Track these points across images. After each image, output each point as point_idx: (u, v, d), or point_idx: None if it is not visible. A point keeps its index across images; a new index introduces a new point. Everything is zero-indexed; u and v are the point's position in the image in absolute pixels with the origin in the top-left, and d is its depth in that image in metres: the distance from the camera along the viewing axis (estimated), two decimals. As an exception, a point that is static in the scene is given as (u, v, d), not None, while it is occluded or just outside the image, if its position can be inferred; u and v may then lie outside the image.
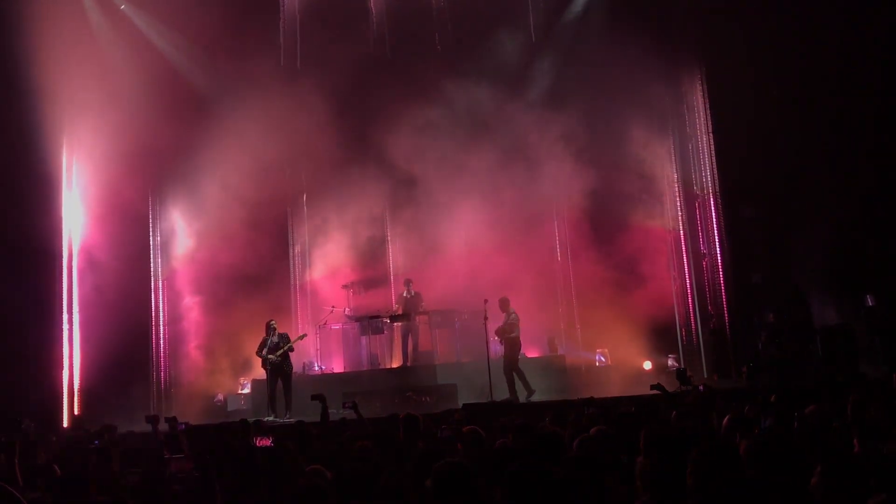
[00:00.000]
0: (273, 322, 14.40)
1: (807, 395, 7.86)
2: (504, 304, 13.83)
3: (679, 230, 15.73)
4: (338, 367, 16.26)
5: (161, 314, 16.15)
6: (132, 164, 15.22)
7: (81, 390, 14.74)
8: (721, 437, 5.10)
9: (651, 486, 3.46)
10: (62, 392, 14.52)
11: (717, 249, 15.07)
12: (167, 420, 8.98)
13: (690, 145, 15.66)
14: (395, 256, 17.41)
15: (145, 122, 14.89)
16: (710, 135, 15.32)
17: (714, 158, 15.29)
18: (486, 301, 13.55)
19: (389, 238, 17.59)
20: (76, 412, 14.64)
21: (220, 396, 15.82)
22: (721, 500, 3.21)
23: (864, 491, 3.53)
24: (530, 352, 15.60)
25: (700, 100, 15.58)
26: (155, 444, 7.75)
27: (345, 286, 16.54)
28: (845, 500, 3.59)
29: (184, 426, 8.90)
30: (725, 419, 5.29)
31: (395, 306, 15.94)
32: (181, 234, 16.39)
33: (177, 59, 16.16)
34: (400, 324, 15.63)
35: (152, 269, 16.25)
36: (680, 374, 13.07)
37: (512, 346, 13.58)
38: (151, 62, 15.56)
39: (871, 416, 5.89)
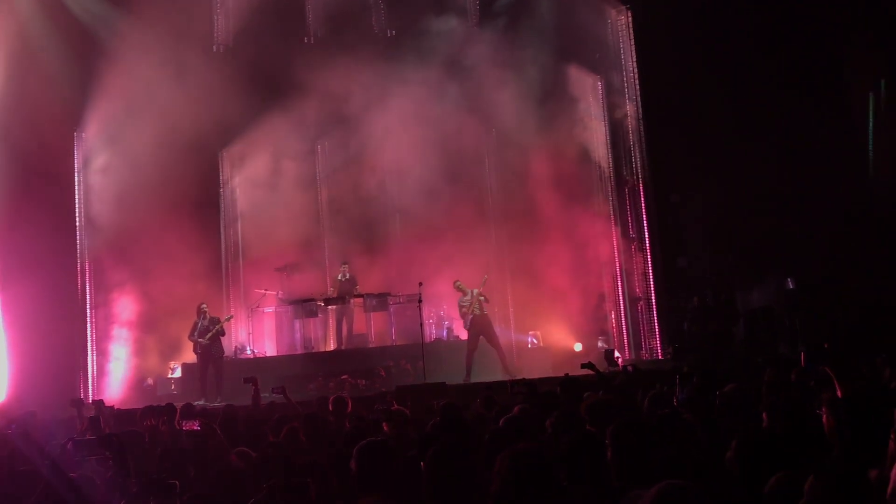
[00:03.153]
0: (204, 305, 14.24)
1: (727, 375, 8.11)
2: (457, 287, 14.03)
3: (609, 214, 15.97)
4: (271, 350, 16.08)
5: (88, 296, 15.62)
6: (52, 137, 14.74)
7: (10, 375, 14.21)
8: (643, 414, 5.23)
9: (568, 462, 3.52)
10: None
11: (646, 234, 15.37)
12: (94, 403, 8.79)
13: (621, 131, 15.91)
14: (330, 238, 17.24)
15: (65, 96, 14.54)
16: (640, 120, 15.57)
17: (643, 144, 15.56)
18: (420, 284, 13.60)
19: (325, 219, 17.40)
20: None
21: (150, 380, 15.50)
22: (637, 474, 3.30)
23: (773, 465, 3.67)
24: (465, 334, 15.73)
25: (630, 85, 15.81)
26: (76, 428, 7.57)
27: (278, 269, 16.34)
28: (756, 474, 3.74)
29: (108, 409, 8.74)
30: (647, 397, 5.44)
31: (329, 289, 15.83)
32: (106, 213, 15.83)
33: (99, 29, 15.59)
34: (334, 307, 15.55)
35: (78, 249, 15.70)
36: (608, 355, 13.41)
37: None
38: (69, 30, 15.02)
39: (784, 394, 6.14)
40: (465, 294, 14.05)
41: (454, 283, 14.26)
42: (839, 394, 4.57)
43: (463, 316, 14.03)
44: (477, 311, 13.85)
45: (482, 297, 13.89)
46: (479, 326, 13.87)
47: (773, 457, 3.83)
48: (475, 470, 3.47)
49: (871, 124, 14.65)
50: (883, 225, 14.00)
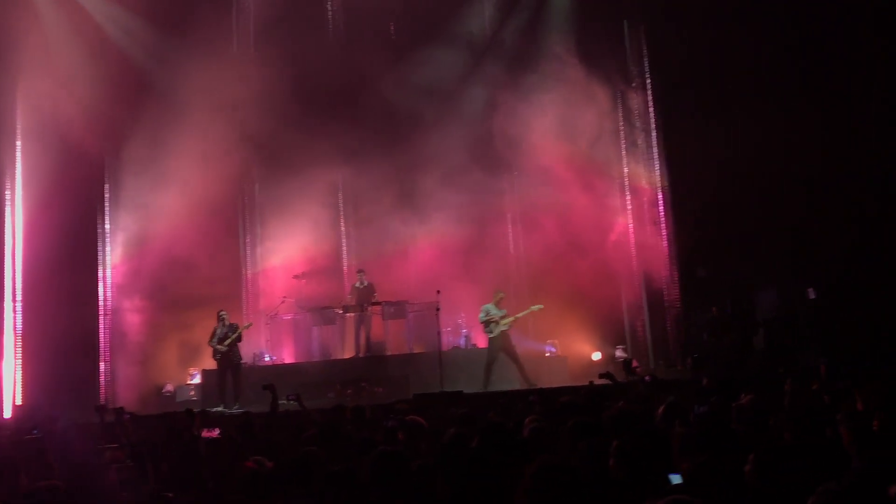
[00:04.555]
0: (223, 312, 14.31)
1: (746, 386, 8.04)
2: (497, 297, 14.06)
3: (629, 224, 15.90)
4: (289, 357, 16.15)
5: (108, 303, 15.77)
6: (80, 150, 14.94)
7: (25, 380, 14.38)
8: (657, 424, 5.20)
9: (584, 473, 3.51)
10: (1, 382, 14.16)
11: (665, 243, 15.28)
12: (114, 410, 8.86)
13: (640, 141, 15.86)
14: (349, 246, 17.30)
15: (94, 109, 14.72)
16: (659, 130, 15.53)
17: (662, 154, 15.51)
18: (438, 292, 13.60)
19: (343, 228, 17.49)
20: (18, 402, 14.29)
21: (170, 387, 15.60)
22: (646, 485, 3.28)
23: (795, 478, 3.64)
24: (483, 342, 15.72)
25: (649, 96, 15.78)
26: (95, 434, 7.63)
27: (297, 276, 16.40)
28: (777, 487, 3.70)
29: (128, 416, 8.79)
30: (661, 407, 5.40)
31: (347, 297, 15.87)
32: (129, 221, 16.02)
33: (128, 43, 15.82)
34: (352, 314, 15.59)
35: (100, 257, 15.88)
36: (626, 365, 13.35)
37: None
38: (99, 45, 15.22)
39: (805, 405, 6.09)
40: (500, 307, 13.96)
41: (496, 292, 14.14)
42: (859, 407, 4.52)
43: (488, 323, 13.91)
44: (506, 327, 13.83)
45: (510, 321, 13.85)
46: (501, 343, 13.85)
47: (793, 470, 3.79)
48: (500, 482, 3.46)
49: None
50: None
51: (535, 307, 14.08)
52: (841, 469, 3.99)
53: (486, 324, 13.89)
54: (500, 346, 13.83)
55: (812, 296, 13.89)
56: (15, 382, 14.30)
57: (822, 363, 5.08)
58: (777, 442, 4.57)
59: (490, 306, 13.97)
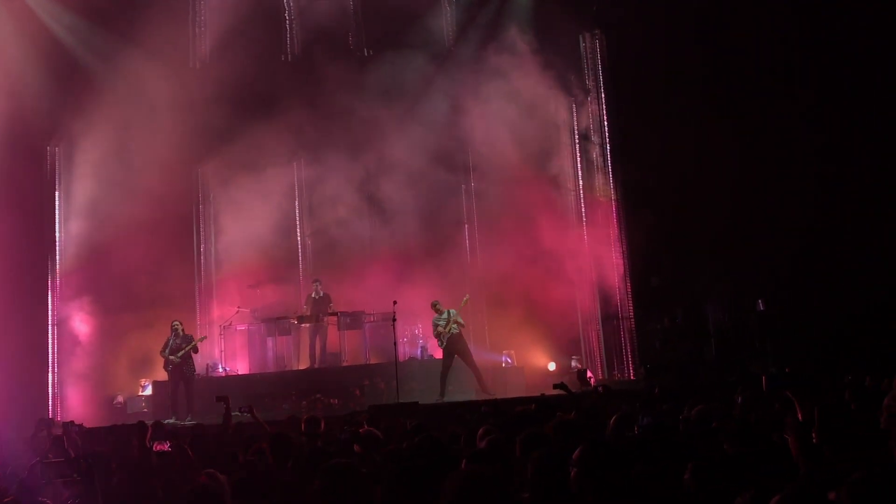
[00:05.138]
0: (177, 323, 14.10)
1: (697, 395, 8.20)
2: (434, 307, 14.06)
3: (583, 234, 16.08)
4: (243, 368, 15.98)
5: (55, 311, 15.39)
6: (29, 154, 14.68)
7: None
8: (609, 435, 5.28)
9: (533, 484, 3.57)
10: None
11: (619, 253, 15.49)
12: (63, 423, 8.70)
13: (594, 151, 16.08)
14: (305, 255, 17.23)
15: (43, 113, 14.53)
16: (613, 141, 15.77)
17: (616, 164, 15.74)
18: (394, 302, 13.61)
19: (299, 236, 17.41)
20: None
21: (120, 398, 15.32)
22: (599, 495, 3.34)
23: (732, 487, 3.74)
24: (440, 353, 15.75)
25: (602, 108, 16.01)
26: (42, 448, 7.48)
27: (251, 286, 16.27)
28: (713, 496, 3.80)
29: (77, 428, 8.65)
30: (613, 418, 5.49)
31: (302, 307, 15.78)
32: (79, 227, 15.67)
33: (77, 46, 15.53)
34: (308, 325, 15.50)
35: (49, 264, 15.50)
36: (580, 375, 13.49)
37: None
38: (46, 47, 14.93)
39: (754, 414, 6.23)
40: (440, 313, 14.01)
41: (432, 302, 14.21)
42: (800, 417, 4.66)
43: (437, 336, 13.96)
44: (454, 331, 13.82)
45: (459, 319, 13.86)
46: (454, 346, 13.83)
47: (731, 478, 3.89)
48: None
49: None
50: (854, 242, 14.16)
51: (464, 300, 14.11)
52: (783, 477, 4.12)
53: (438, 337, 13.95)
54: (453, 350, 13.82)
55: (761, 307, 14.21)
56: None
57: (763, 375, 5.20)
58: (717, 451, 4.69)
59: (435, 319, 14.02)
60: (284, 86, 16.15)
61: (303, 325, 15.53)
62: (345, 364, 15.47)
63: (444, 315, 13.90)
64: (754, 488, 3.41)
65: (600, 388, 9.30)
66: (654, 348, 14.75)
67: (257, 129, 15.97)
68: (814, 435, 4.44)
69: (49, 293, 15.35)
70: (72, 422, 9.29)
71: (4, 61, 14.34)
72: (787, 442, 4.64)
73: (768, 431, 5.14)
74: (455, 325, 13.76)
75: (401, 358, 14.29)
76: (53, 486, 4.17)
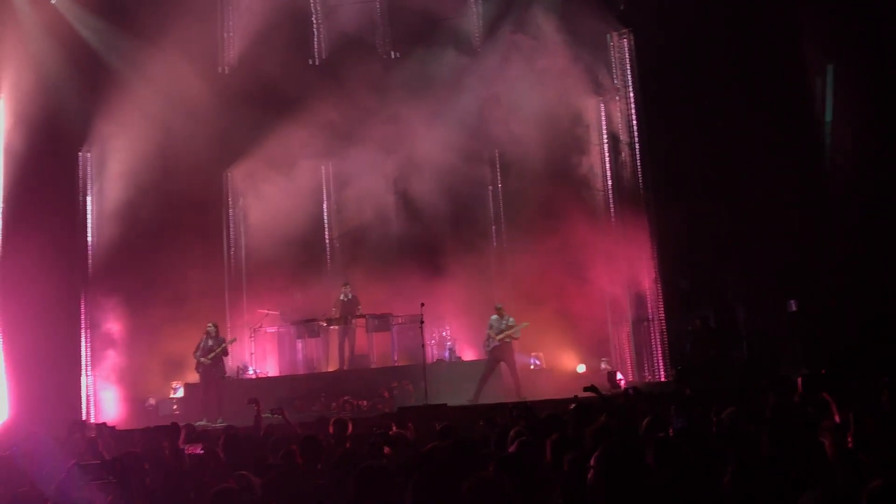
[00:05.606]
0: (211, 325, 14.27)
1: (729, 397, 8.10)
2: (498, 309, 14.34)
3: (612, 235, 15.92)
4: (273, 370, 16.09)
5: (87, 315, 15.53)
6: (59, 158, 14.88)
7: (10, 397, 14.13)
8: (640, 438, 5.22)
9: (563, 487, 3.54)
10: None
11: (649, 255, 15.32)
12: (96, 426, 8.80)
13: (623, 152, 15.93)
14: (332, 258, 17.29)
15: (74, 114, 14.76)
16: (642, 142, 15.59)
17: (646, 165, 15.56)
18: (422, 305, 13.63)
19: (327, 239, 17.51)
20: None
21: (152, 400, 15.48)
22: (622, 499, 3.29)
23: (772, 491, 3.68)
24: (467, 355, 15.76)
25: (631, 108, 15.84)
26: (77, 451, 7.57)
27: (280, 288, 16.38)
28: (754, 499, 3.74)
29: (110, 431, 8.75)
30: (645, 421, 5.44)
31: (332, 309, 15.84)
32: (110, 230, 15.74)
33: (105, 50, 15.70)
34: (336, 327, 15.56)
35: (82, 269, 15.60)
36: (610, 377, 13.43)
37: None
38: (77, 52, 15.12)
39: (787, 417, 6.14)
40: (502, 318, 14.10)
41: (497, 305, 14.37)
42: (836, 419, 4.57)
43: (489, 337, 14.10)
44: (507, 340, 13.98)
45: (517, 335, 14.07)
46: (503, 353, 13.99)
47: (771, 482, 3.83)
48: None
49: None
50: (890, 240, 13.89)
51: (523, 325, 14.21)
52: (821, 481, 4.05)
53: (489, 339, 14.09)
54: (499, 357, 13.98)
55: (793, 308, 14.00)
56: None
57: (800, 375, 5.11)
58: (755, 454, 4.62)
59: (493, 318, 14.11)
60: (312, 89, 16.20)
61: (332, 327, 15.59)
62: (373, 366, 15.52)
63: (505, 321, 14.02)
64: (800, 491, 3.36)
65: (631, 391, 9.24)
66: (684, 350, 14.59)
67: (285, 131, 16.07)
68: (849, 439, 4.36)
69: (82, 296, 15.45)
70: (104, 423, 9.39)
71: (37, 67, 14.52)
72: (824, 445, 4.56)
73: (804, 434, 5.05)
74: (500, 339, 13.94)
75: (429, 360, 14.32)
76: (89, 489, 4.21)
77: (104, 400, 15.27)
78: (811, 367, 12.15)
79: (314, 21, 17.52)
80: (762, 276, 14.40)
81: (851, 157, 14.00)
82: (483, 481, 3.28)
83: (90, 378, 15.20)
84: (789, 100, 14.68)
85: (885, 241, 13.47)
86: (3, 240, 14.16)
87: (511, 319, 14.17)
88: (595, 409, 7.71)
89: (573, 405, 7.35)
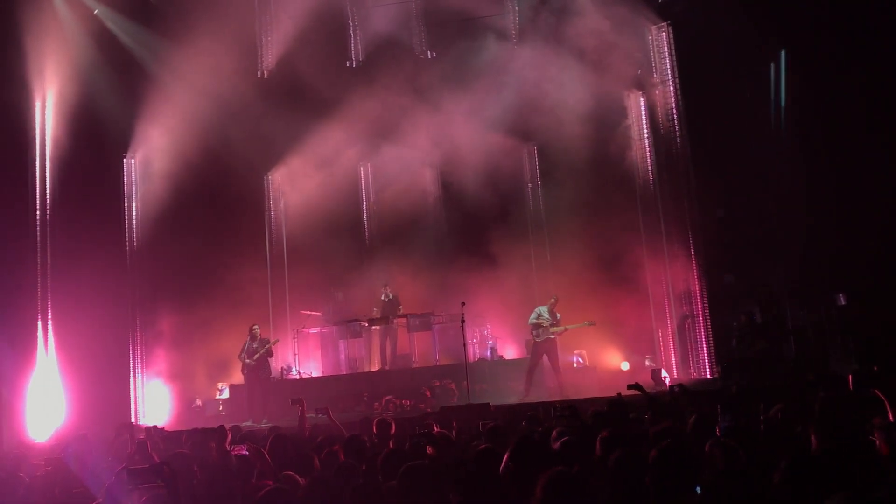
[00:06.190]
0: (256, 327, 14.45)
1: (777, 394, 7.95)
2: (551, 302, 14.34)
3: (656, 231, 15.73)
4: (316, 371, 16.24)
5: (137, 319, 15.80)
6: (103, 164, 15.17)
7: (68, 401, 14.37)
8: (688, 436, 5.16)
9: (613, 485, 3.50)
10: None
11: (692, 250, 15.10)
12: (147, 429, 8.95)
13: (665, 147, 15.71)
14: (373, 257, 17.38)
15: (119, 121, 15.04)
16: (684, 136, 15.37)
17: (688, 160, 15.34)
18: (463, 304, 13.61)
19: (367, 239, 17.62)
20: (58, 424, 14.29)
21: (199, 402, 15.72)
22: (678, 498, 3.26)
23: (824, 488, 3.60)
24: (509, 353, 15.74)
25: (673, 103, 15.62)
26: (125, 453, 7.70)
27: (323, 289, 16.54)
28: (806, 497, 3.66)
29: (160, 432, 8.89)
30: (691, 419, 5.36)
31: (373, 310, 15.93)
32: (154, 234, 15.89)
33: (147, 57, 15.93)
34: (378, 327, 15.64)
35: (129, 274, 15.84)
36: (655, 375, 13.26)
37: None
38: (117, 58, 15.37)
39: (836, 414, 6.00)
40: (551, 311, 14.06)
41: (553, 296, 14.36)
42: (890, 417, 4.46)
43: (535, 327, 14.01)
44: (551, 336, 13.93)
45: (556, 329, 14.03)
46: (546, 347, 13.93)
47: (823, 480, 3.74)
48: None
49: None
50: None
51: (588, 323, 14.16)
52: (872, 478, 3.95)
53: (535, 327, 13.94)
54: (545, 351, 13.88)
55: (842, 302, 13.69)
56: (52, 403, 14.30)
57: (851, 372, 4.99)
58: (806, 451, 4.52)
59: (543, 309, 14.08)
60: (349, 90, 16.30)
61: (373, 327, 15.68)
62: (415, 366, 15.57)
63: (555, 319, 14.05)
64: (845, 490, 3.28)
65: (676, 388, 9.11)
66: (730, 346, 14.36)
67: (324, 132, 16.24)
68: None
69: (131, 300, 15.69)
70: (154, 425, 9.54)
71: (82, 75, 14.77)
72: (875, 443, 4.45)
73: (856, 432, 4.94)
74: (555, 332, 13.96)
75: (470, 359, 14.31)
76: (138, 492, 4.28)
77: (154, 401, 15.53)
78: (862, 364, 11.88)
79: (350, 23, 17.65)
80: (810, 269, 14.10)
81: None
82: (562, 476, 3.26)
83: (140, 379, 15.46)
84: (833, 88, 14.28)
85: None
86: (51, 246, 14.43)
87: (558, 315, 14.08)
88: (638, 407, 7.64)
89: (605, 406, 7.28)
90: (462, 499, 3.46)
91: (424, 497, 3.76)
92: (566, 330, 14.11)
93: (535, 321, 14.01)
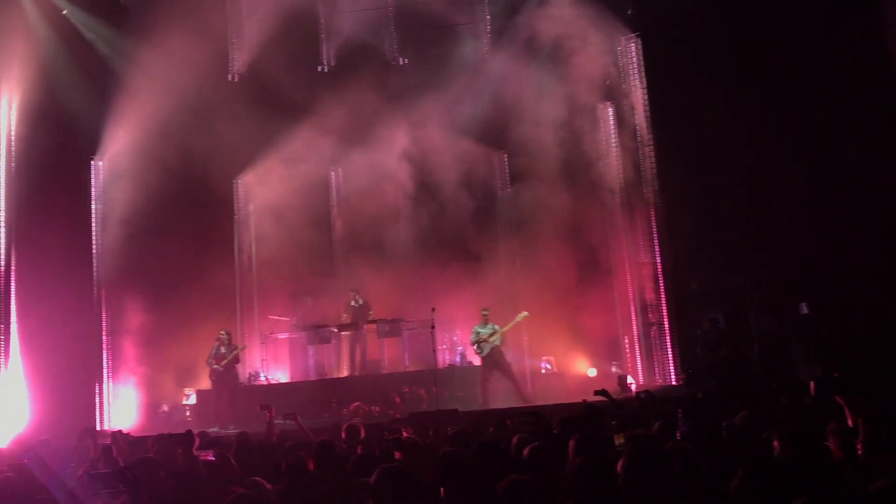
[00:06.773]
0: (223, 332, 14.34)
1: (741, 400, 8.08)
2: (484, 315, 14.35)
3: (622, 239, 15.90)
4: (284, 377, 16.14)
5: (103, 323, 15.59)
6: (68, 166, 14.97)
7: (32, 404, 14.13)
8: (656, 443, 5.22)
9: (576, 491, 3.55)
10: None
11: (658, 258, 15.30)
12: (112, 434, 8.84)
13: (631, 156, 15.91)
14: (343, 264, 17.34)
15: (83, 121, 14.83)
16: (650, 145, 15.58)
17: (654, 169, 15.54)
18: (433, 309, 13.65)
19: (336, 244, 17.56)
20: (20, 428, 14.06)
21: (165, 407, 15.57)
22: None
23: (783, 495, 3.67)
24: (478, 360, 15.75)
25: (640, 112, 15.82)
26: (89, 458, 7.61)
27: (292, 295, 16.47)
28: (764, 502, 3.73)
29: (125, 437, 8.78)
30: (656, 425, 5.44)
31: (342, 315, 15.90)
32: (122, 239, 15.58)
33: (115, 59, 15.77)
34: (347, 333, 15.61)
35: (94, 277, 15.64)
36: (621, 381, 13.40)
37: None
38: (87, 60, 15.19)
39: (798, 421, 6.11)
40: (485, 325, 14.12)
41: (483, 309, 14.35)
42: (850, 423, 4.56)
43: (477, 343, 14.06)
44: (496, 343, 13.96)
45: (496, 340, 14.05)
46: (494, 359, 13.98)
47: (781, 486, 3.82)
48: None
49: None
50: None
51: (520, 316, 14.24)
52: (832, 485, 4.04)
53: (477, 344, 14.02)
54: (493, 364, 13.95)
55: (805, 310, 13.94)
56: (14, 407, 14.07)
57: (812, 380, 5.09)
58: (765, 457, 4.61)
59: (478, 326, 14.16)
60: (320, 95, 16.27)
61: (343, 333, 15.64)
62: (384, 372, 15.55)
63: (489, 327, 14.02)
64: (803, 497, 3.36)
65: (642, 394, 9.21)
66: (695, 353, 14.55)
67: (294, 138, 16.16)
68: (859, 446, 4.35)
69: (97, 304, 15.48)
70: (120, 430, 9.43)
71: (49, 76, 14.54)
72: (829, 448, 4.55)
73: (817, 437, 5.04)
74: (498, 338, 13.89)
75: (440, 365, 14.34)
76: (101, 497, 4.25)
77: (120, 405, 15.32)
78: (825, 370, 12.09)
79: (322, 28, 17.64)
80: (773, 277, 14.33)
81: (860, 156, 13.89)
82: (518, 483, 3.30)
83: (106, 384, 15.26)
84: (798, 99, 14.55)
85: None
86: (16, 249, 14.19)
87: (496, 327, 14.17)
88: (606, 414, 7.71)
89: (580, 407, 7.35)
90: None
91: (399, 499, 3.78)
92: (506, 331, 14.22)
93: (475, 340, 14.13)
